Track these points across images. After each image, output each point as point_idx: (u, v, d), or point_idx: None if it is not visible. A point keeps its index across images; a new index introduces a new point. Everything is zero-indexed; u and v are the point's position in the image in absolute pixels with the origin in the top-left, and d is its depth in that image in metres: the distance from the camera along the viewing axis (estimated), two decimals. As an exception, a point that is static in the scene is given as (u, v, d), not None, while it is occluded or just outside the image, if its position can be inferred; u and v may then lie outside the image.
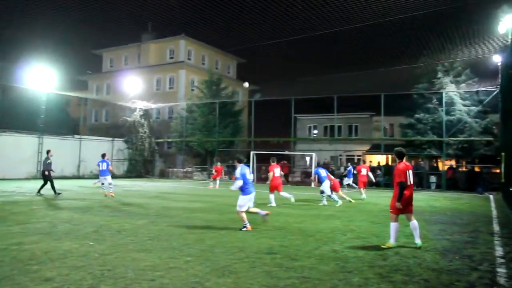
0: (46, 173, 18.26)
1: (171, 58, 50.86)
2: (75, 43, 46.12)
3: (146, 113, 39.57)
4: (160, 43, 51.55)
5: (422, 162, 33.89)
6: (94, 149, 34.88)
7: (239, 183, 9.84)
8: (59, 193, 17.87)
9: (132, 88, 39.81)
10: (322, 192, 16.81)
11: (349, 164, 29.34)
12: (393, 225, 8.32)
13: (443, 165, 31.03)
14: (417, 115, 32.27)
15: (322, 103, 40.16)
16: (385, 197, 21.55)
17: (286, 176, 36.33)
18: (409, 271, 6.34)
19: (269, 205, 15.45)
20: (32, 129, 30.57)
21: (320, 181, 16.92)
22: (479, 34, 25.29)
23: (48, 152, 19.03)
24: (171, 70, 49.67)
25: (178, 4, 27.11)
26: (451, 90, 31.02)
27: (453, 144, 29.88)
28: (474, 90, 30.88)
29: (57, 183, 21.24)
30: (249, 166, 15.53)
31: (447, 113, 30.22)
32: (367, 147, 42.41)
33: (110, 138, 37.70)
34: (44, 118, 30.92)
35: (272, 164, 16.06)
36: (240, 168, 10.08)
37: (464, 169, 33.44)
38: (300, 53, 39.36)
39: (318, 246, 8.06)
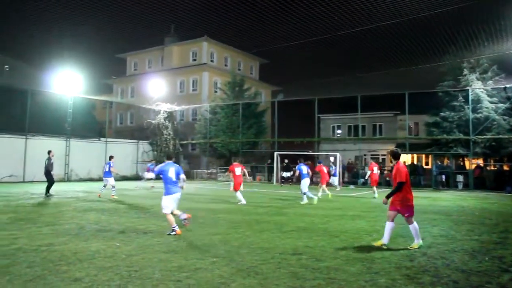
0: (52, 172, 19.07)
1: (194, 60, 51.20)
2: (100, 48, 46.87)
3: (170, 115, 39.90)
4: (183, 45, 51.94)
5: (448, 161, 33.32)
6: (120, 151, 35.41)
7: (149, 175, 9.63)
8: (50, 195, 18.21)
9: (156, 91, 40.21)
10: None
11: (331, 164, 29.10)
12: (391, 225, 8.17)
13: (470, 164, 30.45)
14: (442, 113, 31.72)
15: (346, 103, 39.82)
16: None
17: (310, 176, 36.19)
18: (437, 272, 6.24)
19: (239, 203, 15.94)
20: (59, 132, 31.17)
21: (300, 178, 17.25)
22: (506, 29, 24.77)
23: (49, 152, 19.63)
24: (194, 72, 50.00)
25: (200, 7, 27.30)
26: (478, 87, 30.40)
27: (480, 143, 29.27)
28: (502, 86, 30.17)
29: (84, 185, 21.64)
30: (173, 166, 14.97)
31: (474, 110, 29.64)
32: (391, 147, 41.85)
33: (135, 141, 38.16)
34: (71, 121, 31.49)
35: (234, 164, 16.46)
36: (162, 165, 9.45)
37: (492, 167, 32.78)
38: (323, 53, 39.16)
39: (344, 247, 8.00)
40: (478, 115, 29.59)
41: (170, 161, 9.68)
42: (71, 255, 6.95)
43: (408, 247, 8.03)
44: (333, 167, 27.27)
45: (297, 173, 17.60)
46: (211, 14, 30.16)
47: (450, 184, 29.63)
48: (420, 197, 21.28)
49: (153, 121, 39.00)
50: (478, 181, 28.59)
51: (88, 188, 23.62)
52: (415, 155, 39.95)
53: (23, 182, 26.74)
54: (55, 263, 6.39)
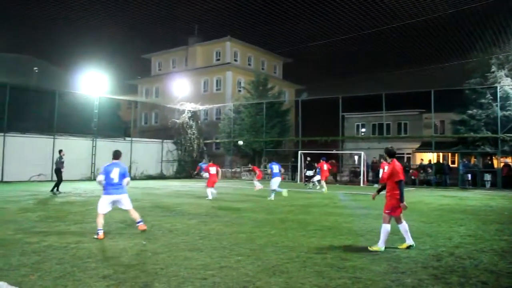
0: (62, 170, 19.97)
1: (218, 60, 51.44)
2: (125, 49, 47.66)
3: (194, 115, 40.15)
4: (206, 45, 52.23)
5: (475, 160, 32.69)
6: (145, 150, 35.88)
7: (99, 177, 8.86)
8: (58, 193, 18.98)
9: (180, 91, 40.53)
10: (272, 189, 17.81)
11: (314, 164, 28.98)
12: (387, 227, 7.80)
13: (499, 162, 29.81)
14: (469, 111, 31.16)
15: (370, 101, 39.45)
16: (436, 196, 20.99)
17: (334, 175, 36.02)
18: (465, 273, 6.14)
19: (206, 198, 17.19)
20: (86, 132, 31.70)
21: (272, 176, 17.99)
22: (536, 23, 24.20)
23: (60, 151, 20.65)
24: (218, 71, 50.24)
25: (223, 7, 27.41)
26: (507, 84, 29.71)
27: (509, 141, 28.60)
28: (532, 83, 29.48)
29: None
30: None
31: (502, 108, 29.01)
32: (417, 145, 41.33)
33: (160, 140, 38.53)
34: (97, 121, 31.99)
35: (209, 163, 18.28)
36: (106, 165, 9.19)
37: (521, 166, 32.05)
38: (347, 52, 38.93)
39: (369, 246, 7.94)
40: (507, 113, 28.96)
41: (116, 161, 9.39)
42: (99, 252, 7.08)
43: (398, 247, 7.82)
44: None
45: (268, 171, 18.47)
46: (234, 14, 30.29)
47: (477, 183, 29.07)
48: (447, 196, 20.98)
49: (178, 121, 39.31)
50: (507, 180, 27.93)
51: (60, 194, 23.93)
52: (440, 154, 39.31)
53: (51, 181, 27.25)
54: (84, 260, 6.51)
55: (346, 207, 15.16)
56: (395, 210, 7.75)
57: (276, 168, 17.89)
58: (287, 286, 5.34)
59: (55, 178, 26.26)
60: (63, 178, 20.51)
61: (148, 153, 36.44)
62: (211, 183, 17.51)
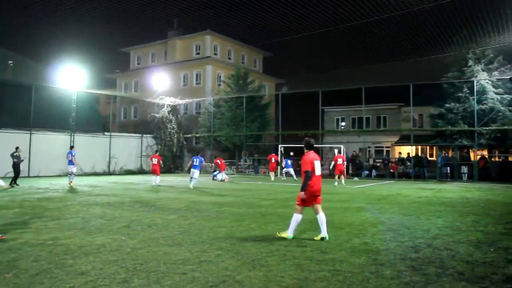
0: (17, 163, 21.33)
1: (197, 53, 51.14)
2: (103, 42, 46.95)
3: (174, 109, 39.89)
4: (186, 39, 51.87)
5: (453, 152, 33.20)
6: (124, 145, 35.56)
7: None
8: (15, 185, 20.22)
9: (160, 85, 40.20)
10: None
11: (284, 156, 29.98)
12: (297, 217, 7.96)
13: (475, 155, 30.33)
14: (447, 105, 31.62)
15: (350, 95, 39.70)
16: (415, 189, 21.26)
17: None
18: (442, 264, 6.23)
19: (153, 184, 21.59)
20: (64, 127, 31.23)
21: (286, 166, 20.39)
22: (512, 19, 24.59)
23: (17, 148, 21.88)
24: (197, 65, 49.96)
25: (203, 0, 27.22)
26: (483, 78, 30.22)
27: (485, 134, 29.14)
28: (507, 77, 29.99)
29: (89, 179, 21.76)
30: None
31: (479, 102, 29.51)
32: (396, 138, 41.79)
33: (139, 135, 38.23)
34: (75, 116, 31.53)
35: (153, 155, 23.20)
36: None
37: (497, 159, 32.65)
38: (327, 45, 39.06)
39: (349, 239, 8.01)
40: (483, 106, 29.48)
41: None
42: (77, 249, 6.98)
43: (314, 238, 7.96)
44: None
45: (283, 164, 20.23)
46: (214, 8, 30.10)
47: (455, 176, 29.56)
48: (425, 189, 21.28)
49: (157, 115, 39.02)
50: (483, 173, 28.48)
51: (93, 182, 23.69)
52: (419, 147, 39.80)
53: (28, 177, 26.85)
54: (61, 257, 6.42)
55: (326, 201, 15.22)
56: (308, 201, 7.92)
57: (196, 160, 21.20)
58: (266, 279, 5.34)
59: (32, 174, 26.09)
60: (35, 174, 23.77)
61: (127, 147, 36.12)
62: (153, 171, 22.44)
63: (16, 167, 21.32)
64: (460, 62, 31.95)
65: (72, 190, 18.90)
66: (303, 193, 7.81)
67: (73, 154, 21.68)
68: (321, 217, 7.96)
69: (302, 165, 7.99)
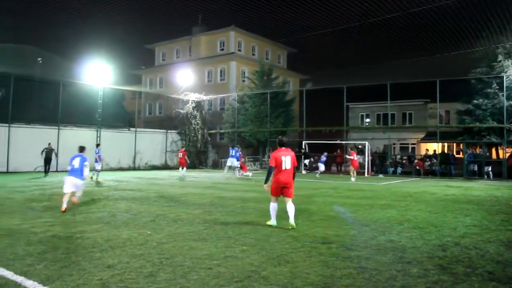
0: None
1: (222, 50, 51.21)
2: (129, 39, 47.46)
3: (198, 105, 40.10)
4: (210, 35, 51.99)
5: (480, 150, 32.52)
6: (149, 141, 35.94)
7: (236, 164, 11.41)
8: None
9: (184, 81, 40.42)
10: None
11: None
12: (271, 205, 8.94)
13: (504, 153, 29.65)
14: (475, 101, 30.96)
15: (375, 91, 39.30)
16: (442, 187, 20.93)
17: (339, 165, 36.05)
18: (471, 263, 6.10)
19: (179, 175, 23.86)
20: (90, 122, 31.73)
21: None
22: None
23: (49, 144, 24.98)
24: (222, 61, 50.04)
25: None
26: (513, 74, 29.51)
27: (515, 131, 28.47)
28: (539, 72, 29.22)
29: (114, 174, 22.15)
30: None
31: (509, 98, 28.79)
32: (421, 135, 41.24)
33: (164, 130, 38.54)
34: (101, 112, 31.99)
35: (180, 149, 24.42)
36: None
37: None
38: (352, 41, 38.70)
39: (374, 236, 7.92)
40: (513, 102, 28.79)
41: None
42: (104, 242, 7.08)
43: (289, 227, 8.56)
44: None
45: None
46: (238, 4, 30.12)
47: (482, 174, 28.97)
48: (452, 187, 20.92)
49: (182, 111, 39.27)
50: (512, 171, 27.81)
51: (119, 177, 24.01)
52: (445, 144, 39.17)
53: (56, 171, 27.35)
54: (89, 250, 6.53)
55: (351, 197, 15.13)
56: (275, 192, 8.88)
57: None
58: (292, 275, 5.33)
59: (60, 168, 26.97)
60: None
61: (152, 143, 36.49)
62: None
63: (47, 160, 24.47)
64: (489, 57, 31.24)
65: (98, 184, 19.64)
66: (265, 185, 8.95)
67: (97, 152, 22.28)
68: (289, 207, 8.70)
69: (270, 161, 9.02)
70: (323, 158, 29.57)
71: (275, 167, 8.77)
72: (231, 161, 26.15)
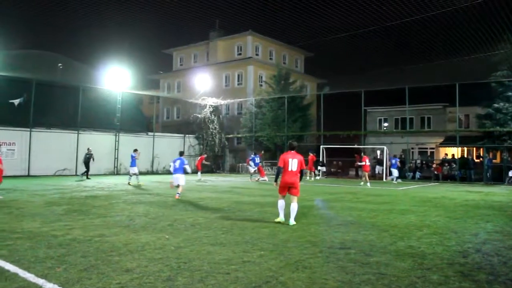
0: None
1: (239, 54, 51.35)
2: (147, 44, 47.96)
3: (216, 109, 40.27)
4: (227, 40, 52.17)
5: (502, 154, 32.00)
6: (167, 145, 36.16)
7: (251, 169, 12.70)
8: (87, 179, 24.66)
9: (202, 85, 40.66)
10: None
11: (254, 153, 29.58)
12: (278, 203, 9.90)
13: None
14: (495, 105, 30.50)
15: (393, 95, 38.96)
16: (461, 192, 20.65)
17: (356, 169, 35.79)
18: (493, 270, 5.98)
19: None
20: (109, 127, 32.09)
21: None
22: None
23: (88, 149, 26.18)
24: (239, 66, 50.15)
25: (244, 1, 27.34)
26: (535, 77, 29.04)
27: (537, 135, 27.98)
28: (561, 75, 28.70)
29: (133, 178, 22.33)
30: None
31: (530, 101, 28.35)
32: (440, 140, 40.73)
33: (182, 135, 38.78)
34: (119, 116, 32.32)
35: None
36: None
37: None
38: (370, 45, 38.48)
39: (393, 242, 7.83)
40: (535, 106, 28.30)
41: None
42: (122, 246, 7.13)
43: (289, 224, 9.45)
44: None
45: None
46: (255, 8, 30.17)
47: (503, 179, 28.50)
48: (472, 192, 20.63)
49: (199, 115, 39.48)
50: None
51: (89, 180, 24.33)
52: (465, 148, 38.64)
53: (76, 175, 27.69)
54: (107, 253, 6.57)
55: (369, 202, 15.01)
56: (282, 191, 9.79)
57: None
58: (310, 281, 5.29)
59: (80, 172, 27.15)
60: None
61: (170, 147, 36.67)
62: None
63: (86, 164, 25.67)
64: (509, 60, 30.77)
65: (137, 186, 20.85)
66: (275, 183, 10.24)
67: (132, 156, 23.09)
68: (292, 206, 9.59)
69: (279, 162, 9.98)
70: (395, 161, 28.20)
71: (283, 168, 9.68)
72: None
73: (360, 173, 32.68)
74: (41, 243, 7.24)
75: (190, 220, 10.12)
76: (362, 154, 26.25)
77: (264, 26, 39.07)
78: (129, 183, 21.79)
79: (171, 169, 15.84)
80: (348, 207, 13.41)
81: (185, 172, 15.74)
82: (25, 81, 28.17)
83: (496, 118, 30.30)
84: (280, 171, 9.77)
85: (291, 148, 10.04)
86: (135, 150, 23.53)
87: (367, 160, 25.07)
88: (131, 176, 22.50)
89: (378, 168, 32.42)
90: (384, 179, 30.16)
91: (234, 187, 21.62)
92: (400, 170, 28.77)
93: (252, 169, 27.34)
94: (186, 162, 16.00)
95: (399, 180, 27.72)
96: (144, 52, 52.88)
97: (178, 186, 15.41)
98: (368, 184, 24.14)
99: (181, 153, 17.05)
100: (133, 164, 22.66)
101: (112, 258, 6.29)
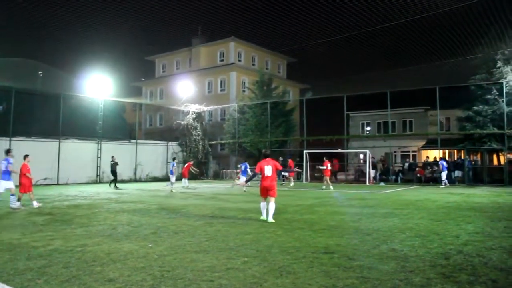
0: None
1: (222, 60, 51.40)
2: (129, 51, 47.61)
3: (198, 116, 40.20)
4: (210, 46, 52.21)
5: (467, 157, 32.31)
6: (150, 152, 35.95)
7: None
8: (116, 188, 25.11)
9: (185, 92, 40.58)
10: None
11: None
12: (261, 205, 11.25)
13: (505, 158, 29.64)
14: (475, 108, 30.99)
15: (375, 99, 39.39)
16: (443, 194, 20.88)
17: (335, 174, 35.98)
18: (475, 271, 6.06)
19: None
20: (91, 135, 31.79)
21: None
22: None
23: (112, 157, 27.33)
24: (222, 72, 50.20)
25: (226, 7, 27.40)
26: (513, 80, 29.58)
27: (516, 137, 28.47)
28: (539, 78, 29.26)
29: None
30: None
31: (509, 104, 28.85)
32: (422, 143, 41.15)
33: (165, 142, 38.61)
34: (102, 124, 32.06)
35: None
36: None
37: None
38: (351, 50, 38.80)
39: (376, 245, 7.87)
40: (513, 108, 28.82)
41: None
42: (105, 255, 7.05)
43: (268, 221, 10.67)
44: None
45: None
46: (237, 15, 30.25)
47: (484, 180, 28.90)
48: (454, 194, 20.87)
49: (182, 122, 39.38)
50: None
51: (119, 190, 23.98)
52: (446, 151, 39.11)
53: (57, 184, 27.38)
54: (89, 263, 6.49)
55: (353, 206, 15.09)
56: (262, 194, 11.07)
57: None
58: (294, 287, 5.29)
59: (61, 181, 26.84)
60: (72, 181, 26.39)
61: (153, 155, 36.52)
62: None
63: (113, 172, 26.72)
64: (488, 64, 31.32)
65: (172, 194, 21.28)
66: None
67: (173, 165, 24.98)
68: (270, 206, 10.86)
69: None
70: (445, 164, 27.73)
71: (260, 173, 11.13)
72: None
73: (339, 177, 32.97)
74: (21, 254, 7.12)
75: (173, 227, 10.06)
76: (324, 158, 26.38)
77: (247, 32, 39.17)
78: (172, 191, 22.86)
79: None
80: (331, 211, 13.47)
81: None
82: (4, 90, 27.79)
83: (476, 121, 30.77)
84: (255, 175, 11.71)
85: (265, 156, 11.44)
86: (174, 159, 27.38)
87: (328, 165, 25.45)
88: (171, 184, 23.97)
89: (372, 172, 32.56)
90: (367, 183, 30.35)
91: (218, 194, 21.57)
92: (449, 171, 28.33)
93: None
94: (247, 166, 22.25)
95: (448, 184, 27.37)
96: (126, 59, 52.51)
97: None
98: (331, 187, 24.65)
99: (245, 161, 19.90)
100: (171, 172, 24.44)
101: (94, 268, 6.21)
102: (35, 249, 7.53)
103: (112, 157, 27.22)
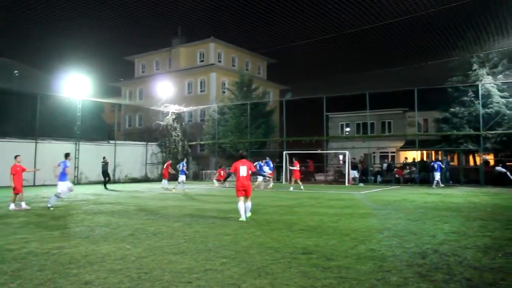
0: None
1: (202, 61, 51.24)
2: (108, 51, 47.15)
3: (178, 117, 39.99)
4: (190, 47, 52.01)
5: (445, 158, 32.76)
6: (129, 153, 35.62)
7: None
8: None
9: (164, 93, 40.33)
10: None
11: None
12: (238, 205, 11.31)
13: (481, 159, 30.19)
14: (452, 109, 31.53)
15: (354, 100, 39.68)
16: (421, 194, 21.15)
17: (311, 175, 36.19)
18: (450, 270, 6.15)
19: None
20: (69, 136, 31.34)
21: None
22: (516, 23, 24.51)
23: (104, 157, 27.31)
24: (201, 73, 50.04)
25: (206, 8, 27.32)
26: (488, 82, 30.17)
27: (491, 138, 29.02)
28: (512, 81, 29.91)
29: (94, 188, 21.90)
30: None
31: (484, 105, 29.41)
32: (401, 144, 41.67)
33: (144, 142, 38.31)
34: (80, 125, 31.65)
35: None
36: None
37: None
38: (330, 51, 39.04)
39: (355, 246, 7.94)
40: (489, 110, 29.40)
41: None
42: (81, 258, 6.96)
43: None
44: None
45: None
46: (217, 15, 30.19)
47: (460, 180, 29.39)
48: (431, 194, 21.16)
49: (162, 123, 39.13)
50: (489, 177, 28.29)
51: (98, 191, 23.72)
52: (424, 152, 39.66)
53: (34, 186, 26.91)
54: (65, 266, 6.39)
55: (332, 207, 15.18)
56: (239, 193, 11.31)
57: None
58: (272, 287, 5.30)
59: (38, 183, 26.40)
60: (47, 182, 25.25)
61: (132, 155, 36.19)
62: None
63: (105, 173, 26.73)
64: (464, 66, 31.91)
65: (185, 195, 21.41)
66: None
67: (183, 165, 24.64)
68: (247, 205, 11.42)
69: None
70: (441, 165, 27.67)
71: (235, 174, 11.49)
72: None
73: (318, 178, 33.05)
74: (-6, 257, 6.99)
75: (152, 229, 9.99)
76: (294, 159, 26.49)
77: (227, 33, 39.07)
78: (184, 190, 23.10)
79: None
80: (310, 212, 13.53)
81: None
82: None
83: (453, 122, 31.29)
84: (229, 175, 12.44)
85: (241, 157, 11.82)
86: (182, 159, 27.25)
87: (298, 165, 25.50)
88: (183, 183, 23.96)
89: (352, 173, 32.68)
90: (346, 183, 30.57)
91: (197, 195, 21.50)
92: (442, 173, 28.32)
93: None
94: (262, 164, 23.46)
95: (441, 185, 27.36)
96: (105, 59, 51.98)
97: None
98: (302, 187, 24.61)
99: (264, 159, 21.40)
100: (182, 172, 24.17)
101: (71, 270, 6.12)
102: (9, 252, 7.39)
103: (104, 157, 27.16)
